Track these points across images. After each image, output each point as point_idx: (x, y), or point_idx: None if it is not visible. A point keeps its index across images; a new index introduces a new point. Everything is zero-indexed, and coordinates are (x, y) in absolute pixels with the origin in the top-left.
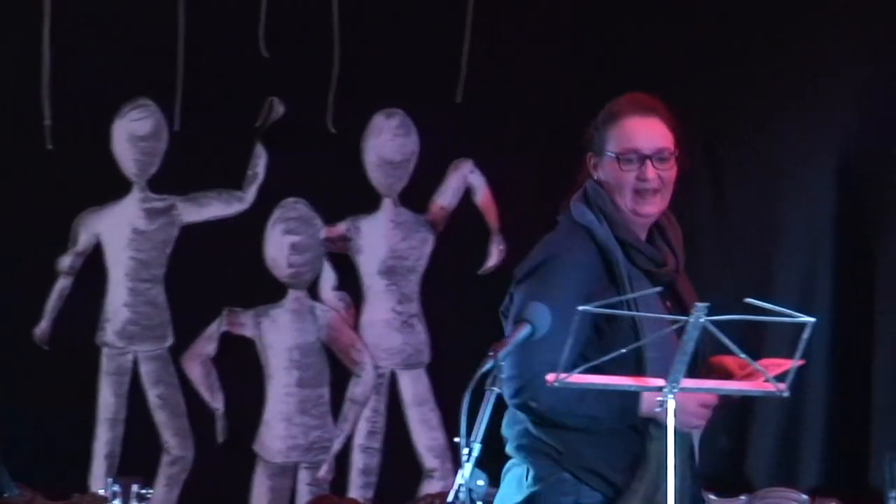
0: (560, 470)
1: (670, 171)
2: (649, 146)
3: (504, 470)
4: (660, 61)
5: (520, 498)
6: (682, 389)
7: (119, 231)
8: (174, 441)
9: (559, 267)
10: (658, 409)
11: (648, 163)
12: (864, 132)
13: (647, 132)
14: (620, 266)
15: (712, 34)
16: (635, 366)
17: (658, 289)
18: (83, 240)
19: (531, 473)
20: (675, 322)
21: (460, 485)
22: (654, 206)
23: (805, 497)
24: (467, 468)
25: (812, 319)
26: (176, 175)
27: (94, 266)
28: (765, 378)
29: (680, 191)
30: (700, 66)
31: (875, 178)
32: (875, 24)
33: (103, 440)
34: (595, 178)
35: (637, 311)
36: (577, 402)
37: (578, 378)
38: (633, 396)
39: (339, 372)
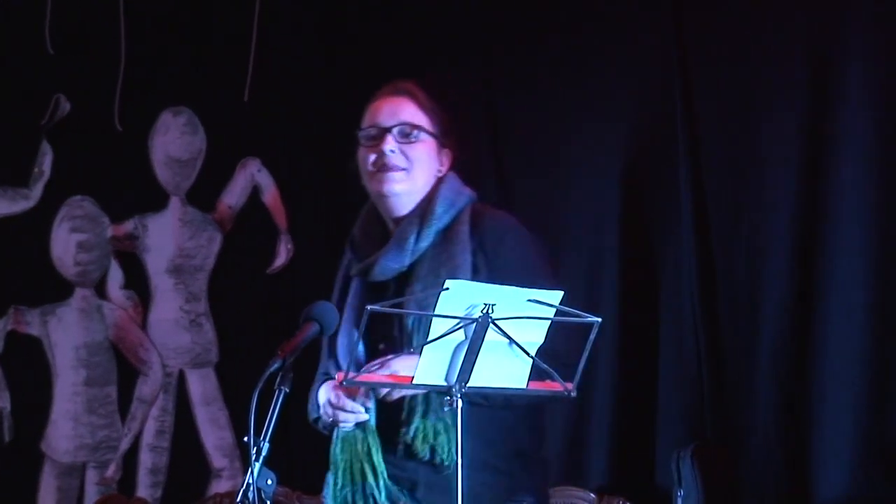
0: None
1: (417, 150)
2: (390, 120)
3: None
4: (450, 58)
5: None
6: (470, 389)
7: None
8: None
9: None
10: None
11: (388, 135)
12: (644, 132)
13: (391, 108)
14: (342, 268)
15: (499, 32)
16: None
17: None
18: None
19: None
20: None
21: (249, 484)
22: (396, 184)
23: (593, 496)
24: (256, 467)
25: (598, 319)
26: None
27: None
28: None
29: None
30: (486, 63)
31: (656, 178)
32: (652, 25)
33: None
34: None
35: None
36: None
37: (367, 377)
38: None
39: (127, 371)
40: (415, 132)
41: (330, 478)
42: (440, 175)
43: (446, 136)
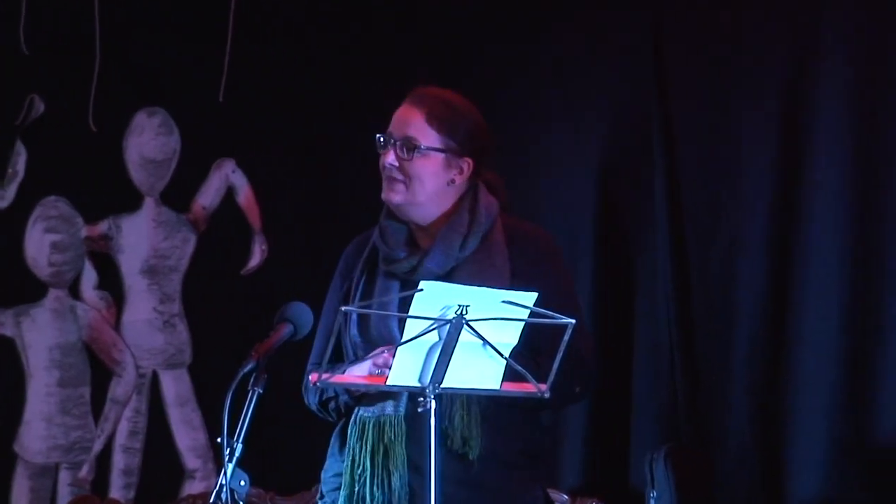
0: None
1: (416, 166)
2: (397, 132)
3: None
4: (424, 62)
5: None
6: (445, 390)
7: None
8: None
9: (340, 259)
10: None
11: (391, 148)
12: (620, 134)
13: (402, 118)
14: (360, 263)
15: (477, 35)
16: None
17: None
18: None
19: None
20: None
21: (222, 485)
22: (396, 195)
23: (566, 497)
24: (229, 468)
25: (572, 321)
26: None
27: None
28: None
29: None
30: (463, 65)
31: (631, 180)
32: (629, 26)
33: None
34: None
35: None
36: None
37: (340, 378)
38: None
39: (101, 372)
40: (414, 149)
41: (333, 461)
42: (453, 184)
43: (465, 145)
